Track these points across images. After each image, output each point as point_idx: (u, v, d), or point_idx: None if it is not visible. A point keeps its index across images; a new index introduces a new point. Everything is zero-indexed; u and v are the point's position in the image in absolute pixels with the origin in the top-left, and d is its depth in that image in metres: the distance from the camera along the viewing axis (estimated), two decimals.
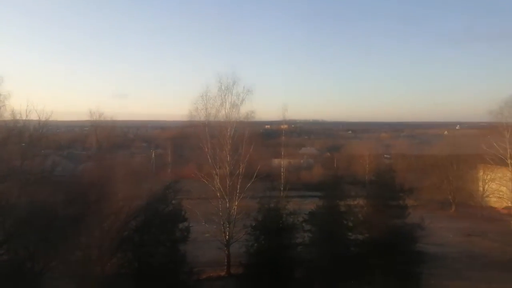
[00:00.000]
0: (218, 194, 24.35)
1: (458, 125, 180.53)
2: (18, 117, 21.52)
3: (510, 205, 30.00)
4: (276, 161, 50.23)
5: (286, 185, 33.60)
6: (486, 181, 40.33)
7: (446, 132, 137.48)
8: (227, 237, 24.12)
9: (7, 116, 21.05)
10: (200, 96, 24.63)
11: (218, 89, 24.56)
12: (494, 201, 38.48)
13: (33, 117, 22.09)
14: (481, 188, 41.46)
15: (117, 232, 17.36)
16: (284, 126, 47.06)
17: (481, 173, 42.04)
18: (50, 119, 23.42)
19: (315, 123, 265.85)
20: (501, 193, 33.87)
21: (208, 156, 24.37)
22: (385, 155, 68.40)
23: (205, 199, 25.21)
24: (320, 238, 20.31)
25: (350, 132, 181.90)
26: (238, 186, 24.06)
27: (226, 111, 24.56)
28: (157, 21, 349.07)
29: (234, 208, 24.18)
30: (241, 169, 24.35)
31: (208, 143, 24.39)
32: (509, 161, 27.88)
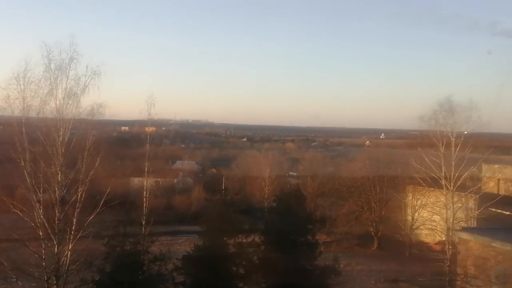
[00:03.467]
0: (41, 233, 22.88)
1: (382, 134, 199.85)
2: None
3: (444, 239, 32.52)
4: (136, 181, 49.48)
5: (150, 216, 33.24)
6: (416, 208, 44.77)
7: (368, 142, 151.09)
8: None
9: None
10: (14, 77, 22.83)
11: (46, 67, 23.16)
12: (426, 234, 42.67)
13: None
14: (409, 217, 45.86)
15: None
16: (151, 129, 46.68)
17: (410, 198, 46.47)
18: None
19: (197, 124, 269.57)
20: (433, 223, 36.92)
21: (26, 173, 22.82)
22: (290, 173, 71.81)
23: (19, 242, 23.45)
24: None
25: (245, 139, 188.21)
26: (74, 220, 23.03)
27: (58, 102, 23.24)
28: None
29: (67, 254, 22.99)
30: (79, 194, 23.37)
31: (26, 153, 22.83)
32: (443, 182, 29.13)
